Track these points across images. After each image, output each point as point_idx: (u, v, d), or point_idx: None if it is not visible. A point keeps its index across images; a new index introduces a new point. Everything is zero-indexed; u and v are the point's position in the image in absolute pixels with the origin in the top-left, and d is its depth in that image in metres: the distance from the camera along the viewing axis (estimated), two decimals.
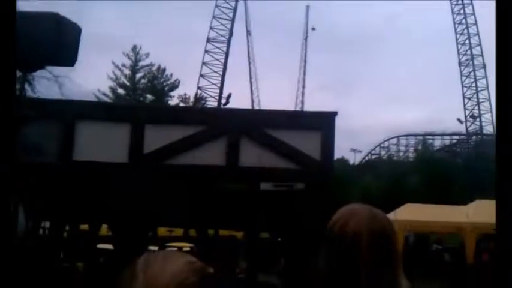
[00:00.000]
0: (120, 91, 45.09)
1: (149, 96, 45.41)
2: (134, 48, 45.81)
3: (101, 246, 10.78)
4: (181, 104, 47.51)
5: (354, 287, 1.49)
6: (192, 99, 53.08)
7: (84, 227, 9.11)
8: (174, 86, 47.87)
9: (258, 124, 5.77)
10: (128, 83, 45.33)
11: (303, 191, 6.49)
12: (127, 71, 45.43)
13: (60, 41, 3.53)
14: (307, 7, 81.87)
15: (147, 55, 46.31)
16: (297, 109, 73.73)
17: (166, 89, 47.27)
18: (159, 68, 46.97)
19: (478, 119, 64.11)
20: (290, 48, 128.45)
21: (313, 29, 77.58)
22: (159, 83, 46.78)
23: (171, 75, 47.73)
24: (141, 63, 46.12)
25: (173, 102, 47.30)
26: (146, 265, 1.05)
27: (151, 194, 6.17)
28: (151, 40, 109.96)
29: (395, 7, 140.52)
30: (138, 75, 46.03)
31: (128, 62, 45.50)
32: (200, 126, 5.76)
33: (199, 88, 63.84)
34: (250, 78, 77.16)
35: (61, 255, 8.44)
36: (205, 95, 63.61)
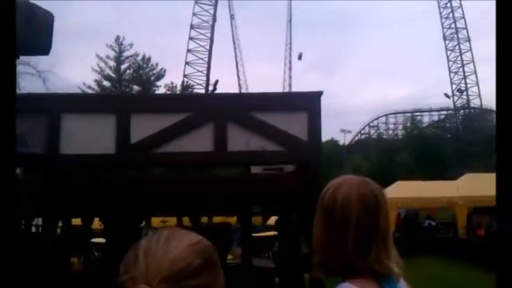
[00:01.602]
0: (106, 83, 44.79)
1: (135, 87, 45.16)
2: (117, 39, 45.47)
3: (95, 240, 10.77)
4: (168, 93, 47.32)
5: (343, 251, 1.51)
6: (179, 87, 52.87)
7: (77, 221, 9.08)
8: (160, 75, 47.62)
9: (243, 108, 5.74)
10: (113, 75, 45.01)
11: (293, 172, 6.50)
12: (111, 63, 45.10)
13: (31, 29, 3.45)
14: None
15: (131, 45, 45.99)
16: (285, 91, 73.75)
17: (152, 78, 47.01)
18: (143, 57, 46.68)
19: (465, 93, 64.47)
20: (275, 29, 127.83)
21: (299, 58, 75.48)
22: (144, 73, 46.50)
23: (157, 64, 47.48)
24: (125, 54, 45.81)
25: (160, 91, 47.13)
26: (148, 248, 1.03)
27: (142, 184, 6.15)
28: (134, 30, 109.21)
29: None
30: (123, 66, 45.72)
31: (112, 54, 45.18)
32: (186, 113, 5.72)
33: (185, 76, 63.57)
34: (237, 63, 77.01)
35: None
36: (192, 82, 63.37)
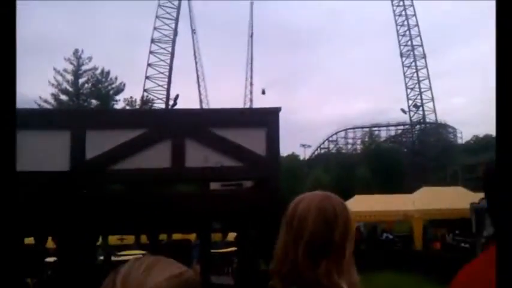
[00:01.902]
0: (63, 97, 43.72)
1: (94, 101, 44.29)
2: (76, 52, 44.59)
3: (49, 259, 10.43)
4: (128, 108, 46.69)
5: (294, 260, 1.53)
6: (138, 102, 52.26)
7: (31, 240, 8.75)
8: (119, 89, 46.90)
9: (201, 124, 5.71)
10: (70, 89, 44.02)
11: (251, 188, 6.50)
12: (69, 76, 44.12)
13: None
14: (252, 3, 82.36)
15: (90, 59, 45.18)
16: (246, 106, 74.03)
17: (111, 92, 46.23)
18: (102, 71, 45.92)
19: (420, 108, 66.30)
20: (237, 45, 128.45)
21: (263, 92, 75.53)
22: (103, 87, 45.69)
23: (116, 78, 46.76)
24: (84, 68, 44.94)
25: (119, 106, 46.41)
26: (127, 276, 0.97)
27: (97, 202, 6.00)
28: (93, 43, 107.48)
29: (337, 1, 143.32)
30: (81, 80, 44.84)
31: (70, 67, 44.23)
32: (143, 129, 5.64)
33: (145, 90, 62.89)
34: (198, 78, 76.88)
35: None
36: (152, 97, 62.72)
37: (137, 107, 49.34)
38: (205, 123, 5.76)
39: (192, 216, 6.16)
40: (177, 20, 69.10)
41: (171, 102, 62.96)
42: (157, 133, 5.64)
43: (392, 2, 70.72)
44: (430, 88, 66.16)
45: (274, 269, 1.60)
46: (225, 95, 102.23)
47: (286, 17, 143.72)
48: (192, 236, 13.78)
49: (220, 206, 5.91)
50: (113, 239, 14.53)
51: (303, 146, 75.70)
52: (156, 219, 6.18)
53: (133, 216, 5.90)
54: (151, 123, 5.84)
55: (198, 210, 5.89)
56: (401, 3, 69.59)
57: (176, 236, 12.28)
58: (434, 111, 66.09)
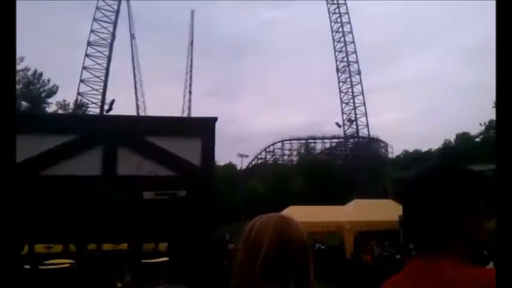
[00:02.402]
0: None
1: (24, 103, 42.42)
2: None
3: None
4: (60, 111, 45.08)
5: (251, 277, 1.55)
6: (72, 105, 50.57)
7: None
8: (52, 91, 45.31)
9: (135, 131, 5.60)
10: None
11: (185, 198, 6.42)
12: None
13: None
14: (192, 11, 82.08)
15: (22, 59, 43.26)
16: (184, 115, 73.40)
17: (43, 95, 44.51)
18: (35, 72, 44.19)
19: (354, 123, 68.27)
20: (177, 52, 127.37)
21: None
22: (35, 89, 43.90)
23: (49, 80, 45.13)
24: None
25: (51, 109, 44.78)
26: None
27: (23, 208, 5.72)
28: (26, 43, 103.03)
29: (279, 13, 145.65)
30: None
31: None
32: (73, 134, 5.45)
33: (79, 94, 60.87)
34: (135, 83, 75.45)
35: None
36: (87, 101, 60.85)
37: (70, 110, 47.74)
38: (139, 131, 5.65)
39: (124, 226, 6.01)
40: (115, 23, 67.58)
41: (106, 107, 61.39)
42: (88, 139, 5.47)
43: (330, 18, 72.67)
44: (364, 104, 68.31)
45: (233, 285, 1.63)
46: (163, 102, 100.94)
47: (229, 26, 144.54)
48: (124, 246, 13.40)
49: (152, 215, 5.81)
50: (39, 248, 13.88)
51: (240, 155, 75.97)
52: (85, 228, 5.98)
53: (61, 225, 5.68)
54: (81, 129, 5.65)
55: (130, 220, 5.76)
56: (338, 19, 71.60)
57: (107, 247, 11.91)
58: (367, 126, 68.29)
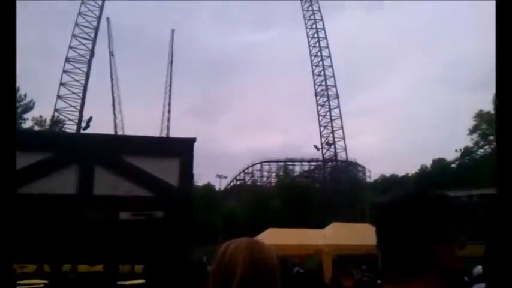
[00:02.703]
0: None
1: None
2: None
3: None
4: (36, 128, 44.41)
5: None
6: (48, 122, 49.90)
7: None
8: (28, 107, 44.62)
9: (113, 150, 5.51)
10: None
11: (162, 219, 6.32)
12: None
13: None
14: (173, 31, 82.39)
15: None
16: (163, 135, 73.02)
17: (19, 110, 43.82)
18: None
19: (332, 146, 68.69)
20: (156, 71, 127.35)
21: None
22: None
23: (25, 95, 44.45)
24: None
25: (27, 125, 44.04)
26: None
27: None
28: None
29: (261, 36, 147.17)
30: None
31: None
32: (48, 152, 5.34)
33: (56, 110, 60.12)
34: (113, 101, 74.98)
35: None
36: (63, 117, 60.11)
37: (47, 127, 47.07)
38: (116, 150, 5.57)
39: (100, 247, 5.88)
40: (94, 40, 67.34)
41: (83, 124, 60.71)
42: (63, 157, 5.37)
43: (308, 43, 73.57)
44: (342, 127, 68.89)
45: None
46: (142, 121, 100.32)
47: (209, 46, 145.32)
48: (99, 268, 13.10)
49: (129, 236, 5.70)
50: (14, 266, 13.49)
51: (219, 176, 75.72)
52: (60, 248, 5.84)
53: (35, 244, 5.53)
54: (57, 147, 5.55)
55: (106, 241, 5.65)
56: (317, 44, 72.50)
57: (82, 268, 11.63)
58: (345, 149, 68.80)
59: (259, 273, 1.62)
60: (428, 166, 67.28)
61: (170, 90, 79.32)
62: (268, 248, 1.76)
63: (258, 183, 77.76)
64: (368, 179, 77.93)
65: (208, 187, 68.62)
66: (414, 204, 1.52)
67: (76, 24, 66.10)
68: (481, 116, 50.18)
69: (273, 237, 20.02)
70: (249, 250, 1.66)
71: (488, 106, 47.69)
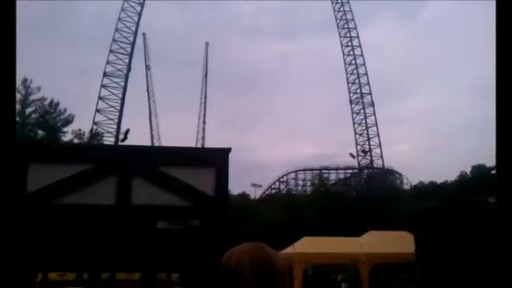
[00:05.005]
0: None
1: (40, 132, 43.03)
2: (24, 81, 43.49)
3: None
4: (76, 140, 45.60)
5: None
6: (87, 134, 51.17)
7: None
8: (68, 121, 45.91)
9: (149, 161, 5.63)
10: (17, 118, 42.68)
11: (199, 227, 6.39)
12: (16, 105, 42.88)
13: None
14: (207, 44, 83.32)
15: (39, 89, 44.17)
16: (198, 145, 73.78)
17: (59, 124, 45.12)
18: (51, 102, 44.92)
19: (368, 154, 67.95)
20: (191, 84, 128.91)
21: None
22: (51, 118, 44.56)
23: (65, 109, 45.80)
24: (31, 97, 43.80)
25: (67, 138, 45.30)
26: None
27: (37, 236, 5.74)
28: (43, 73, 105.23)
29: (292, 45, 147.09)
30: (29, 110, 43.63)
31: (18, 96, 42.99)
32: (87, 164, 5.50)
33: (95, 123, 61.70)
34: (150, 113, 76.39)
35: None
36: (102, 130, 61.57)
37: (86, 139, 48.26)
38: (153, 161, 5.69)
39: (138, 256, 5.99)
40: (131, 55, 68.95)
41: (121, 137, 61.99)
42: (102, 169, 5.51)
43: (343, 51, 73.24)
44: (378, 135, 68.20)
45: None
46: (178, 132, 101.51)
47: (242, 58, 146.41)
48: (137, 276, 13.31)
49: (166, 245, 5.79)
50: (53, 276, 13.87)
51: (254, 185, 75.84)
52: (99, 257, 5.97)
53: (75, 253, 5.68)
54: (96, 159, 5.71)
55: (144, 250, 5.75)
56: (351, 52, 72.14)
57: (120, 276, 11.84)
58: (382, 156, 67.96)
59: (266, 274, 1.62)
60: (468, 172, 65.62)
61: (205, 102, 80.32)
62: (275, 252, 1.76)
63: (293, 192, 77.41)
64: (406, 186, 76.53)
65: (243, 196, 68.79)
66: (456, 214, 1.51)
67: (113, 39, 67.86)
68: None
69: (308, 246, 19.93)
70: (254, 252, 1.67)
71: None
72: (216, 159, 5.88)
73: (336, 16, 74.36)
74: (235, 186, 61.09)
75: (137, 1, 71.02)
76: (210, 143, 74.62)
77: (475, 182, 55.31)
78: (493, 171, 58.21)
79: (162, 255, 6.42)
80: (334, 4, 74.84)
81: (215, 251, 5.18)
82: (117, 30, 68.66)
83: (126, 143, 59.30)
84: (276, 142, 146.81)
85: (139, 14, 70.99)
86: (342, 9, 74.12)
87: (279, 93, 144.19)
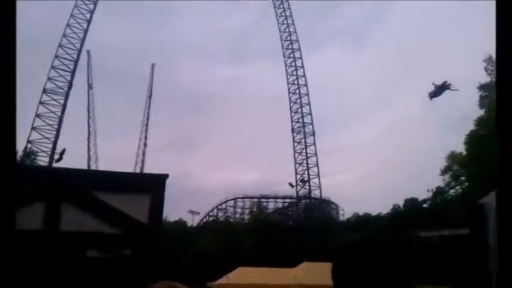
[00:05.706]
0: None
1: None
2: None
3: None
4: None
5: None
6: (20, 153, 48.96)
7: None
8: None
9: (83, 185, 5.45)
10: None
11: (130, 256, 6.22)
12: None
13: None
14: (153, 65, 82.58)
15: None
16: (137, 169, 72.20)
17: None
18: None
19: (307, 183, 68.71)
20: (136, 105, 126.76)
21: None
22: None
23: None
24: None
25: None
26: None
27: None
28: None
29: (239, 71, 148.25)
30: None
31: None
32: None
33: (29, 142, 59.11)
34: (89, 134, 74.30)
35: None
36: (36, 149, 59.06)
37: (18, 159, 46.10)
38: (86, 185, 5.50)
39: (66, 285, 5.73)
40: (73, 72, 67.10)
41: (56, 157, 59.71)
42: (30, 192, 5.27)
43: (287, 80, 74.43)
44: (317, 165, 69.18)
45: None
46: (117, 154, 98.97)
47: (188, 81, 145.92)
48: None
49: (96, 274, 5.57)
50: None
51: (192, 212, 74.82)
52: (23, 286, 5.66)
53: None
54: (25, 180, 5.46)
55: (73, 279, 5.51)
56: (295, 81, 73.37)
57: None
58: (320, 187, 68.90)
59: None
60: (401, 205, 67.67)
61: (147, 124, 79.03)
62: None
63: (231, 220, 76.88)
64: (341, 218, 77.86)
65: (180, 223, 67.58)
66: (383, 246, 1.52)
67: (56, 56, 65.93)
68: (452, 157, 51.00)
69: (243, 277, 19.78)
70: None
71: (460, 147, 48.60)
72: (152, 185, 5.77)
73: (282, 45, 75.81)
74: (172, 213, 59.96)
75: (83, 18, 69.57)
76: (149, 167, 73.08)
77: (406, 215, 57.10)
78: (424, 205, 60.47)
79: (92, 285, 6.18)
80: (281, 33, 76.34)
81: (147, 280, 5.04)
82: (60, 46, 66.76)
83: (61, 164, 57.14)
84: (218, 168, 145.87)
85: (85, 31, 69.49)
86: (288, 38, 75.67)
87: (225, 117, 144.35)
